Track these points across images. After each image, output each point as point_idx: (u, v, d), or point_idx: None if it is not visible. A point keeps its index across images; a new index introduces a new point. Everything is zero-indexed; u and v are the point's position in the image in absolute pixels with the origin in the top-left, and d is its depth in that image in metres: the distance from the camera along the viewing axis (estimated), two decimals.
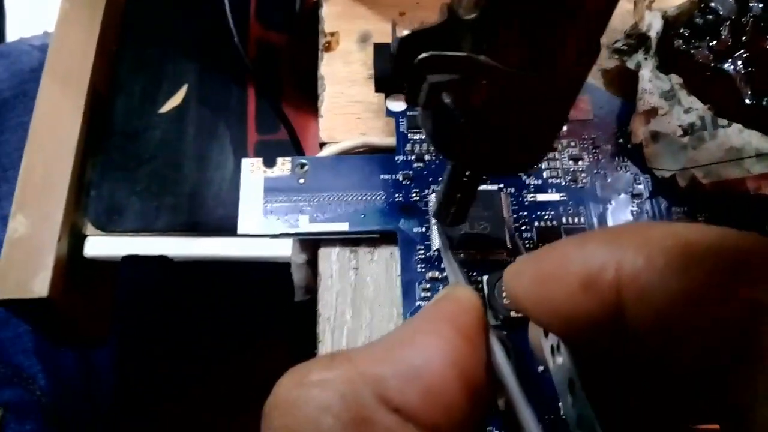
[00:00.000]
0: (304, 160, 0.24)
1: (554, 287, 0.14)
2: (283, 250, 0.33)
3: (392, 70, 0.15)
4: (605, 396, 0.14)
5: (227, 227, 0.34)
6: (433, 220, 0.23)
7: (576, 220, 0.23)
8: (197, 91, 0.37)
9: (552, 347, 0.16)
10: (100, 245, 0.34)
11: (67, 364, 0.39)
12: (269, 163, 0.23)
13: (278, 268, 0.33)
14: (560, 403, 0.19)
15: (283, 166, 0.24)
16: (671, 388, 0.15)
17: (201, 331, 0.42)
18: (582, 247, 0.14)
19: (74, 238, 0.33)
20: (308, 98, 0.35)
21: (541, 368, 0.21)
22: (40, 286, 0.31)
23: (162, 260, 0.34)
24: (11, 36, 0.65)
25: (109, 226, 0.34)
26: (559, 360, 0.15)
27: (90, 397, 0.39)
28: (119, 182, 0.34)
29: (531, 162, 0.17)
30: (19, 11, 0.67)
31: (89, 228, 0.34)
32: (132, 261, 0.34)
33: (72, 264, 0.33)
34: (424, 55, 0.14)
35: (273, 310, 0.41)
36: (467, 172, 0.18)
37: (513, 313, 0.21)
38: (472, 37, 0.14)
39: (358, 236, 0.23)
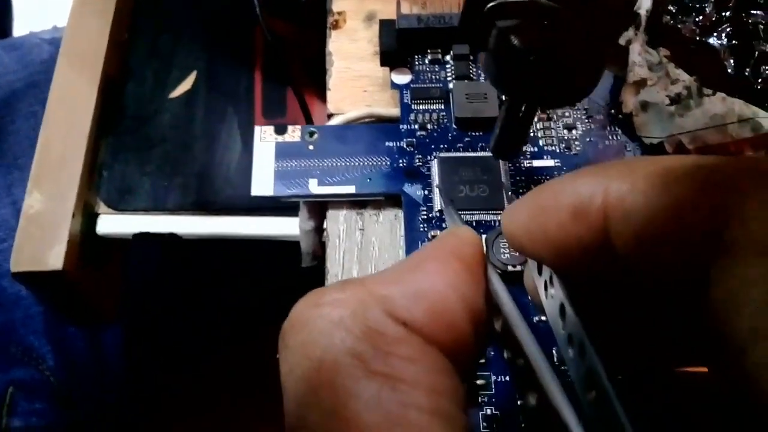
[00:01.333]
0: (313, 129, 0.25)
1: (547, 219, 0.15)
2: (291, 228, 0.34)
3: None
4: (595, 324, 0.15)
5: (236, 206, 0.35)
6: (435, 183, 0.24)
7: None
8: (206, 77, 0.39)
9: (545, 282, 0.17)
10: (111, 223, 0.35)
11: (77, 345, 0.40)
12: (280, 130, 0.25)
13: (285, 248, 0.34)
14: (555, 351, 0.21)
15: (294, 133, 0.25)
16: (656, 316, 0.16)
17: (209, 310, 0.43)
18: (572, 180, 0.15)
19: (87, 216, 0.34)
20: (313, 84, 0.37)
21: (536, 318, 0.22)
22: (54, 259, 0.32)
23: (172, 238, 0.35)
24: (18, 31, 0.66)
25: (120, 204, 0.35)
26: (552, 292, 0.16)
27: (99, 376, 0.40)
28: (131, 163, 0.36)
29: (581, 94, 0.19)
30: (26, 6, 0.69)
31: (101, 207, 0.35)
32: (142, 239, 0.35)
33: (85, 241, 0.34)
34: (493, 3, 0.16)
35: (280, 288, 0.42)
36: (522, 108, 0.20)
37: (510, 268, 0.22)
38: None
39: (365, 198, 0.24)
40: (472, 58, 0.26)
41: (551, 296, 0.16)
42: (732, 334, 0.11)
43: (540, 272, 0.17)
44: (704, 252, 0.12)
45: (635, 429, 0.11)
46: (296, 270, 0.31)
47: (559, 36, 0.16)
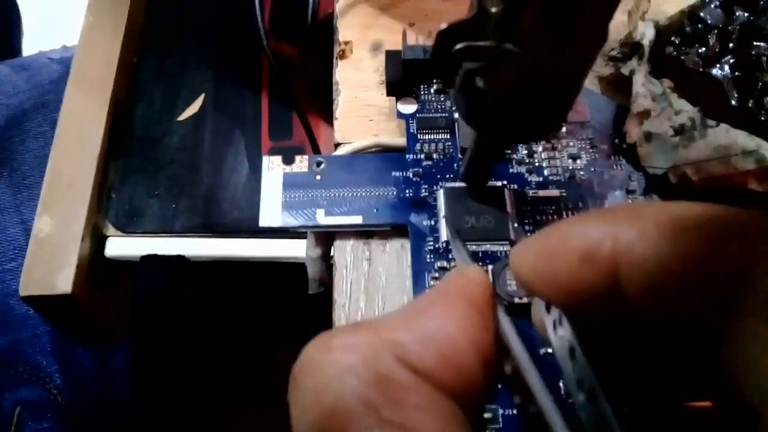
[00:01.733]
0: (320, 158, 0.25)
1: (556, 261, 0.16)
2: (297, 250, 0.34)
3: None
4: (604, 363, 0.15)
5: (242, 228, 0.35)
6: (442, 214, 0.24)
7: (575, 214, 0.24)
8: (214, 99, 0.39)
9: (554, 322, 0.17)
10: (120, 245, 0.35)
11: (84, 364, 0.41)
12: (288, 160, 0.25)
13: (292, 269, 0.35)
14: (561, 384, 0.21)
15: (301, 163, 0.25)
16: (665, 357, 0.16)
17: (216, 331, 0.43)
18: (582, 223, 0.15)
19: (96, 238, 0.35)
20: (319, 107, 0.37)
21: (543, 351, 0.22)
22: (63, 282, 0.32)
23: (179, 260, 0.35)
24: (27, 50, 0.67)
25: (129, 227, 0.35)
26: (561, 332, 0.16)
27: (106, 396, 0.40)
28: (139, 185, 0.36)
29: (549, 130, 0.20)
30: (36, 26, 0.70)
31: (110, 229, 0.35)
32: (151, 261, 0.35)
33: (93, 263, 0.34)
34: (459, 46, 0.17)
35: (286, 310, 0.43)
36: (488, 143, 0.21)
37: (517, 300, 0.22)
38: (498, 28, 0.16)
39: (372, 229, 0.24)
40: None
41: (560, 337, 0.16)
42: (741, 391, 0.11)
43: (548, 310, 0.17)
44: (715, 307, 0.12)
45: None
46: (303, 292, 0.31)
47: (524, 78, 0.17)
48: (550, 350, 0.22)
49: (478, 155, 0.21)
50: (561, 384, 0.21)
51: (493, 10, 0.16)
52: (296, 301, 0.41)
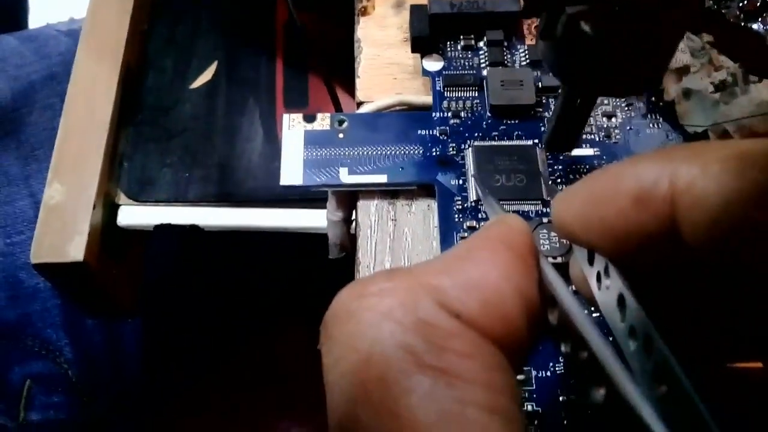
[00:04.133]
0: (343, 116, 0.24)
1: (605, 206, 0.15)
2: (314, 220, 0.34)
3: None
4: (654, 312, 0.14)
5: (257, 197, 0.35)
6: (471, 173, 0.23)
7: None
8: (227, 67, 0.38)
9: (598, 273, 0.16)
10: (132, 214, 0.34)
11: (95, 338, 0.40)
12: (309, 118, 0.24)
13: (308, 240, 0.34)
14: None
15: (323, 121, 0.24)
16: (720, 307, 0.15)
17: (228, 304, 0.42)
18: (634, 165, 0.14)
19: (108, 207, 0.34)
20: (335, 74, 0.36)
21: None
22: (75, 250, 0.31)
23: (193, 230, 0.35)
24: (33, 23, 0.66)
25: (141, 195, 0.34)
26: (607, 282, 0.16)
27: (117, 370, 0.40)
28: (151, 154, 0.35)
29: (647, 84, 0.19)
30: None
31: (122, 198, 0.34)
32: (164, 230, 0.35)
33: (106, 232, 0.33)
34: None
35: (301, 282, 0.42)
36: (578, 99, 0.19)
37: (550, 259, 0.21)
38: None
39: (397, 188, 0.24)
40: (506, 44, 0.26)
41: (606, 287, 0.16)
42: None
43: (591, 263, 0.16)
44: None
45: (717, 424, 0.11)
46: (319, 263, 0.30)
47: (629, 22, 0.16)
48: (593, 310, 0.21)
49: (568, 114, 0.20)
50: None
51: None
52: (312, 273, 0.41)
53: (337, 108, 0.29)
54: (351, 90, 0.32)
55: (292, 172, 0.23)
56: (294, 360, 0.43)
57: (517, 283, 0.14)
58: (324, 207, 0.32)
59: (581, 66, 0.17)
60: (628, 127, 0.24)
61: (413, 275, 0.14)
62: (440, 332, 0.13)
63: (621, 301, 0.15)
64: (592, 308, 0.20)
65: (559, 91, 0.20)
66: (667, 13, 0.16)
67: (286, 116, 0.24)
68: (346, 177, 0.23)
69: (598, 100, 0.25)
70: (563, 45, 0.17)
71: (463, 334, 0.13)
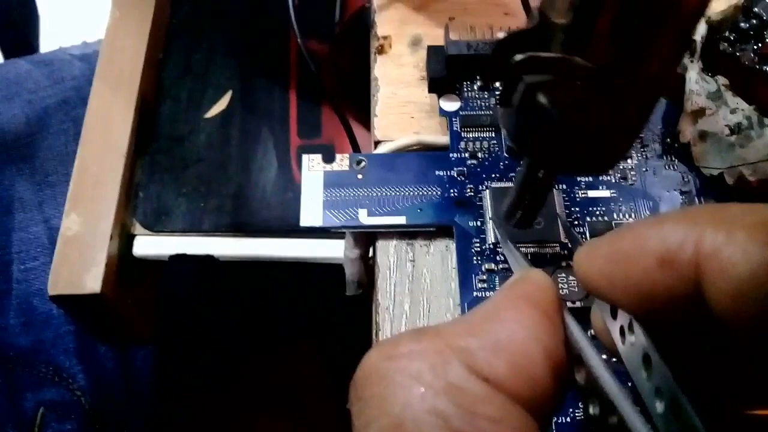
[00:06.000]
0: (361, 157, 0.25)
1: (630, 265, 0.15)
2: (328, 251, 0.34)
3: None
4: (679, 369, 0.14)
5: (272, 228, 0.35)
6: (488, 215, 0.23)
7: (626, 216, 0.24)
8: (241, 97, 0.38)
9: (622, 328, 0.16)
10: (148, 244, 0.35)
11: (108, 365, 0.40)
12: (328, 159, 0.24)
13: (321, 270, 0.34)
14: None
15: (342, 162, 0.24)
16: (738, 362, 0.15)
17: (240, 332, 0.43)
18: (659, 226, 0.15)
19: (124, 237, 0.34)
20: (348, 104, 0.36)
21: (604, 356, 0.21)
22: (92, 282, 0.32)
23: (208, 260, 0.35)
24: (44, 46, 0.66)
25: (156, 226, 0.35)
26: (631, 339, 0.16)
27: (130, 397, 0.40)
28: (166, 184, 0.36)
29: (610, 162, 0.17)
30: (53, 22, 0.69)
31: (138, 228, 0.35)
32: (179, 260, 0.35)
33: (122, 262, 0.34)
34: (520, 56, 0.15)
35: (313, 312, 0.42)
36: (540, 173, 0.18)
37: (569, 304, 0.22)
38: (563, 40, 0.14)
39: (415, 230, 0.24)
40: None
41: (630, 343, 0.16)
42: None
43: (614, 316, 0.17)
44: None
45: None
46: (332, 293, 0.31)
47: (588, 100, 0.15)
48: (605, 357, 0.21)
49: (526, 189, 0.19)
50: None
51: (560, 21, 0.15)
52: (325, 302, 0.41)
53: (354, 147, 0.30)
54: (364, 121, 0.32)
55: (311, 214, 0.24)
56: (306, 387, 0.43)
57: (544, 343, 0.14)
58: (338, 238, 0.33)
59: (539, 139, 0.16)
60: (644, 169, 0.25)
61: (441, 336, 0.14)
62: (470, 397, 0.13)
63: (646, 359, 0.15)
64: (613, 356, 0.21)
65: (521, 162, 0.19)
66: (634, 90, 0.15)
67: (305, 157, 0.24)
68: (365, 218, 0.24)
69: None
70: (520, 115, 0.16)
71: (492, 398, 0.13)
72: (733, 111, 0.24)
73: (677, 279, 0.14)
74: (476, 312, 0.15)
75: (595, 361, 0.14)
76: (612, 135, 0.16)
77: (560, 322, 0.15)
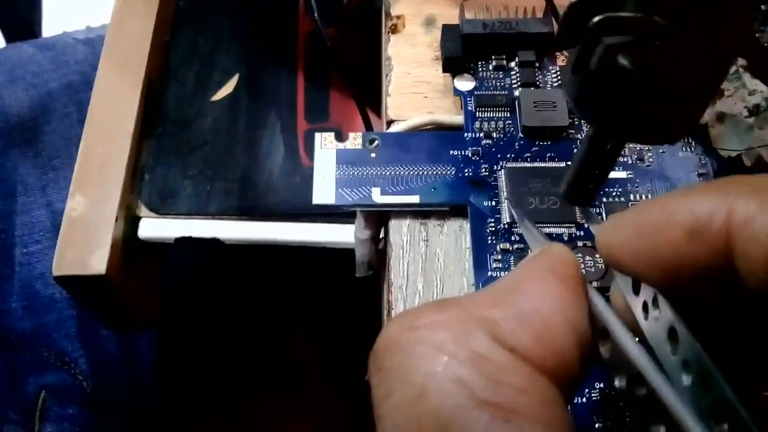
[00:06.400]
0: (374, 136, 0.24)
1: (657, 237, 0.14)
2: (336, 235, 0.33)
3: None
4: (710, 344, 0.14)
5: (279, 212, 0.34)
6: (504, 194, 0.23)
7: (643, 197, 0.23)
8: (248, 80, 0.38)
9: (645, 303, 0.16)
10: (153, 227, 0.34)
11: (110, 350, 0.40)
12: (341, 137, 0.24)
13: (328, 255, 0.34)
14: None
15: (355, 140, 0.24)
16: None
17: (244, 316, 0.42)
18: (687, 197, 0.14)
19: (129, 219, 0.34)
20: (355, 89, 0.36)
21: None
22: (98, 263, 0.31)
23: (213, 243, 0.34)
24: (48, 31, 0.66)
25: (162, 208, 0.34)
26: (655, 314, 0.15)
27: (132, 381, 0.40)
28: (172, 167, 0.35)
29: (683, 130, 0.17)
30: (56, 7, 0.69)
31: (143, 210, 0.34)
32: (184, 243, 0.34)
33: (127, 244, 0.33)
34: (599, 17, 0.14)
35: (319, 296, 0.42)
36: (608, 144, 0.18)
37: None
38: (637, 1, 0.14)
39: (429, 209, 0.23)
40: (538, 65, 0.26)
41: (654, 318, 0.15)
42: None
43: (636, 292, 0.16)
44: None
45: None
46: (338, 277, 0.30)
47: (668, 61, 0.14)
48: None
49: (591, 162, 0.18)
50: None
51: None
52: (330, 287, 0.40)
53: (368, 126, 0.29)
54: (374, 106, 0.32)
55: (324, 192, 0.23)
56: (309, 371, 0.43)
57: (568, 315, 0.14)
58: (345, 222, 0.32)
59: (615, 105, 0.15)
60: (661, 150, 0.24)
61: (464, 307, 0.14)
62: (495, 366, 0.13)
63: (672, 333, 0.15)
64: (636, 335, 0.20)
65: (584, 134, 0.19)
66: (713, 49, 0.15)
67: (318, 135, 0.24)
68: (378, 197, 0.23)
69: None
70: (596, 80, 0.15)
71: (518, 368, 0.13)
72: (751, 92, 0.23)
73: (707, 250, 0.14)
74: (499, 284, 0.15)
75: (622, 332, 0.14)
76: (690, 98, 0.15)
77: (584, 295, 0.15)
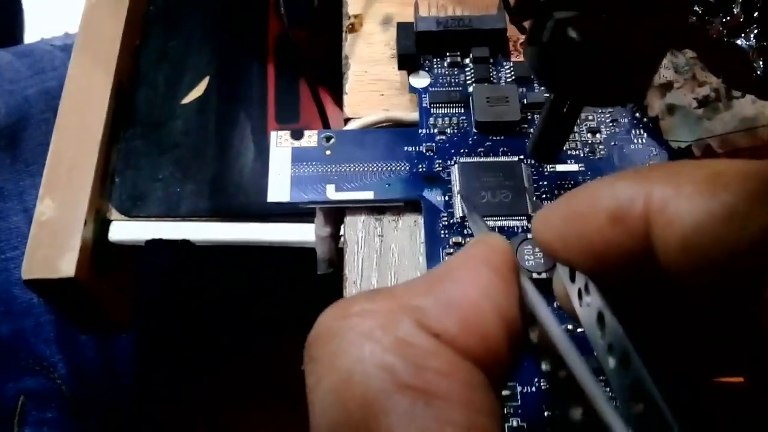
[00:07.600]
0: (330, 133, 0.25)
1: (583, 224, 0.15)
2: (304, 234, 0.34)
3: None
4: (634, 330, 0.14)
5: (249, 212, 0.35)
6: (456, 189, 0.23)
7: None
8: (218, 82, 0.38)
9: (579, 290, 0.16)
10: (124, 230, 0.34)
11: (88, 353, 0.40)
12: (296, 135, 0.24)
13: (298, 254, 0.34)
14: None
15: (310, 138, 0.24)
16: (697, 325, 0.15)
17: (221, 318, 0.43)
18: (611, 183, 0.15)
19: (99, 223, 0.34)
20: (324, 88, 0.36)
21: (566, 327, 0.21)
22: (66, 266, 0.31)
23: (184, 245, 0.35)
24: (29, 38, 0.66)
25: (132, 211, 0.35)
26: (588, 299, 0.16)
27: (110, 385, 0.40)
28: (143, 169, 0.35)
29: (631, 96, 0.19)
30: (37, 13, 0.69)
31: (114, 213, 0.35)
32: (155, 245, 0.35)
33: (97, 248, 0.33)
34: None
35: (292, 296, 0.42)
36: (566, 106, 0.19)
37: (535, 275, 0.22)
38: None
39: (384, 204, 0.24)
40: (492, 61, 0.26)
41: (587, 304, 0.16)
42: None
43: (573, 279, 0.17)
44: (757, 264, 0.12)
45: None
46: (310, 277, 0.31)
47: (618, 30, 0.16)
48: (570, 327, 0.21)
49: (554, 122, 0.20)
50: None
51: None
52: (302, 288, 0.41)
53: (325, 124, 0.30)
54: (341, 105, 0.32)
55: (279, 189, 0.23)
56: (286, 372, 0.43)
57: (497, 301, 0.14)
58: (313, 221, 0.32)
59: (567, 73, 0.17)
60: (612, 143, 0.25)
61: (394, 296, 0.14)
62: (419, 351, 0.13)
63: (600, 318, 0.15)
64: (576, 324, 0.21)
65: (545, 98, 0.20)
66: (655, 21, 0.16)
67: (273, 133, 0.24)
68: (333, 194, 0.23)
69: (582, 116, 0.25)
70: (550, 51, 0.17)
71: (441, 352, 0.13)
72: (701, 84, 0.24)
73: (628, 236, 0.14)
74: (431, 273, 0.15)
75: (545, 314, 0.14)
76: (634, 68, 0.17)
77: (515, 283, 0.15)
